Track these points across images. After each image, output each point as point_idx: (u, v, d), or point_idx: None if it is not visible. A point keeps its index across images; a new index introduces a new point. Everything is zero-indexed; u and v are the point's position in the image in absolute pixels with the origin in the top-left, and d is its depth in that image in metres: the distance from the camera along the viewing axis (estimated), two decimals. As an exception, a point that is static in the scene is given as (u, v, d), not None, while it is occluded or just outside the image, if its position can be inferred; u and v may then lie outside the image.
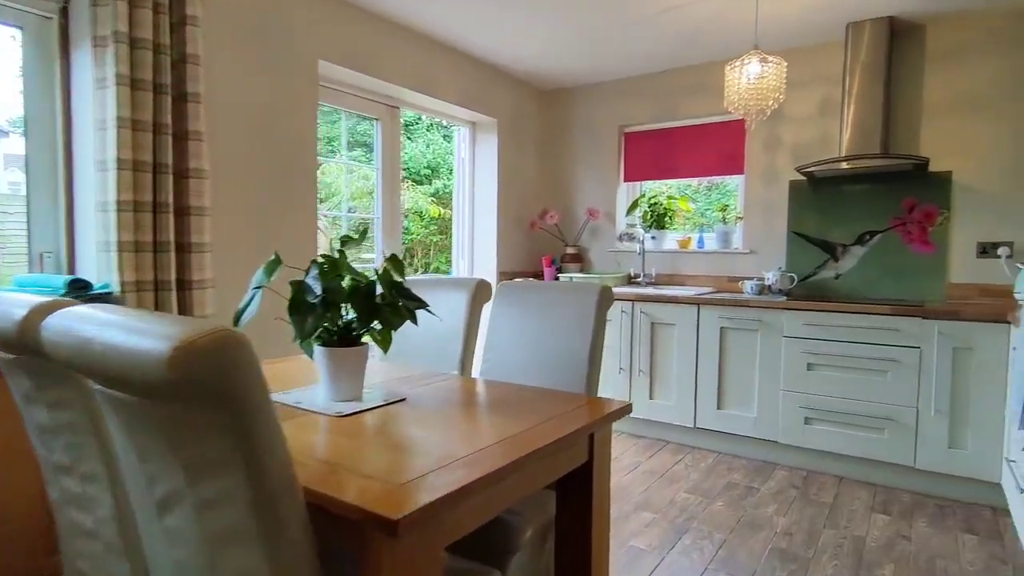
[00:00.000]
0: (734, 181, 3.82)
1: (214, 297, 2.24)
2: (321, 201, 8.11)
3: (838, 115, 3.22)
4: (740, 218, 3.67)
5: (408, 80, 3.22)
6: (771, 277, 3.30)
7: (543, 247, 4.26)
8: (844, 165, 2.94)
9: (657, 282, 3.87)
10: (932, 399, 2.58)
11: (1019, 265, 2.77)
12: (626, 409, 1.34)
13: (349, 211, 4.09)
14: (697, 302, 3.17)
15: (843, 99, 3.09)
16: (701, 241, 3.80)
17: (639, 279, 3.86)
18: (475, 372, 1.89)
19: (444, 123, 3.81)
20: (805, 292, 3.36)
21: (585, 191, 4.18)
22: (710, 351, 3.15)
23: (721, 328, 3.12)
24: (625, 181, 4.09)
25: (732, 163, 3.66)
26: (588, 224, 4.13)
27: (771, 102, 2.65)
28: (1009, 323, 2.42)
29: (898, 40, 3.07)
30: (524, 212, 4.14)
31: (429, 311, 1.36)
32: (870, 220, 3.19)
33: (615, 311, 3.43)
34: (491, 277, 3.91)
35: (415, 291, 1.34)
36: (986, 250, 2.92)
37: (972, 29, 2.93)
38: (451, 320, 1.88)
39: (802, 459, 2.96)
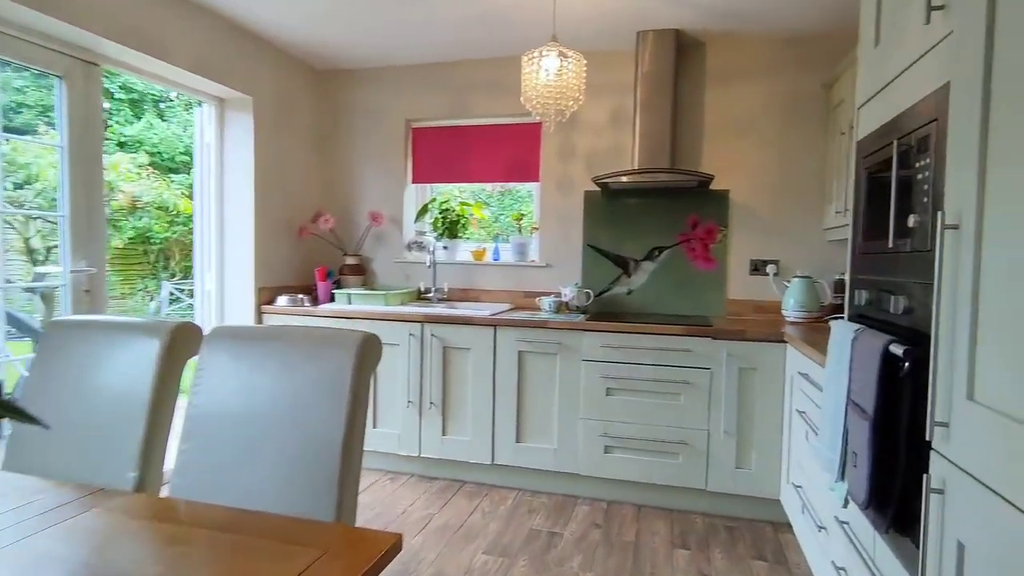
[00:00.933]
0: (529, 188, 3.59)
1: None
2: (18, 188, 6.21)
3: (631, 126, 3.13)
4: (536, 228, 3.43)
5: (117, 31, 2.33)
6: (568, 293, 3.09)
7: (317, 256, 3.58)
8: (634, 178, 2.83)
9: (450, 298, 3.46)
10: (721, 421, 2.55)
11: (785, 283, 2.91)
12: (393, 551, 0.84)
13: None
14: (494, 323, 2.82)
15: (634, 109, 2.99)
16: (497, 253, 3.48)
17: (430, 295, 3.41)
18: (167, 474, 1.22)
19: (187, 98, 2.95)
20: (600, 308, 3.23)
21: (367, 192, 3.60)
22: (508, 378, 2.82)
23: (520, 352, 2.81)
24: (414, 183, 3.61)
25: (527, 169, 3.40)
26: (371, 230, 3.56)
27: (571, 102, 2.39)
28: (786, 343, 2.46)
29: (683, 55, 3.07)
30: (293, 214, 3.42)
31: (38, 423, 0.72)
32: (659, 235, 3.15)
33: (401, 334, 2.93)
34: (248, 293, 3.13)
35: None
36: (757, 267, 3.04)
37: (745, 53, 3.02)
38: (128, 392, 1.19)
39: (603, 490, 2.78)
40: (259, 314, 3.14)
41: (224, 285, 3.16)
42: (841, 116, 2.61)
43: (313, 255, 3.57)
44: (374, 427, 3.01)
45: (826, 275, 2.91)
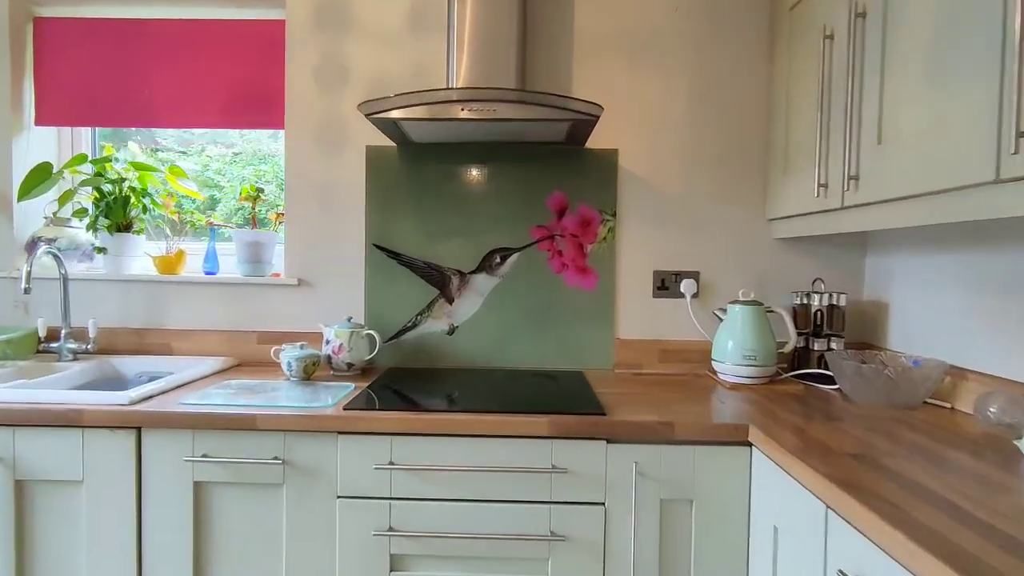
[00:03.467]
0: (272, 142, 2.02)
1: None
2: None
3: (445, 27, 1.71)
4: (281, 216, 1.89)
5: None
6: (332, 337, 1.60)
7: None
8: (454, 112, 1.41)
9: (105, 348, 1.79)
10: (629, 612, 1.22)
11: (717, 312, 1.68)
12: None
13: None
14: (136, 421, 1.23)
15: (451, 7, 1.58)
16: (212, 259, 1.88)
17: (59, 344, 1.69)
18: None
19: None
20: (395, 366, 1.78)
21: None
22: (169, 539, 1.25)
23: (198, 485, 1.25)
24: (40, 124, 1.88)
25: (263, 105, 1.84)
26: None
27: None
28: (751, 444, 1.20)
29: (536, -91, 1.73)
30: None
31: None
32: (502, 229, 1.78)
33: (-96, 459, 1.22)
34: None
35: None
36: (665, 284, 1.79)
37: (638, -84, 1.76)
38: None
39: None
40: None
41: None
42: (810, 14, 1.42)
43: None
44: None
45: (782, 296, 1.74)
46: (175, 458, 1.25)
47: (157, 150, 2.06)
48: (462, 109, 1.40)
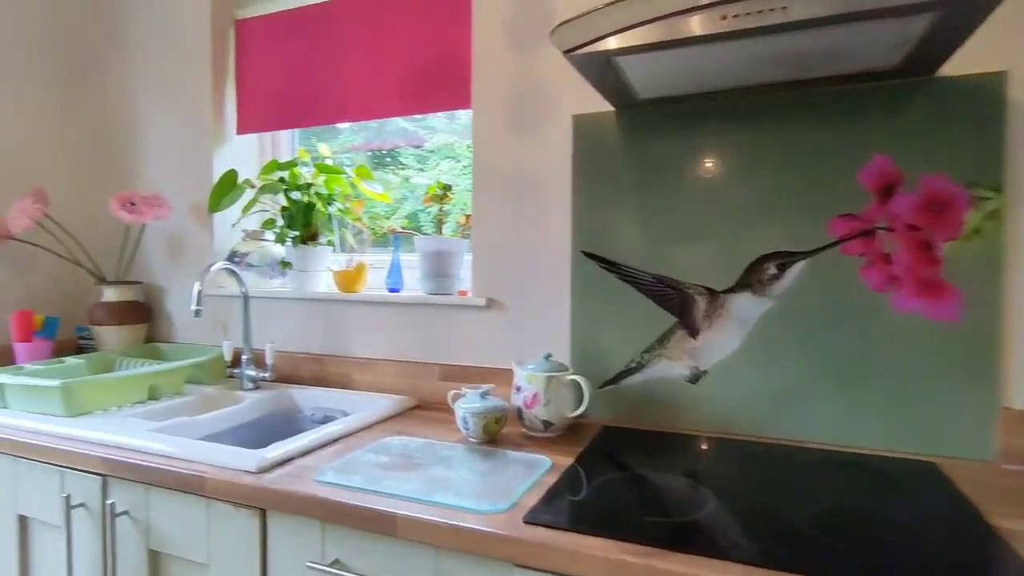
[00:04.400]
0: (458, 123, 1.65)
1: None
2: None
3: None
4: (467, 220, 1.50)
5: None
6: (524, 380, 1.15)
7: (22, 286, 1.81)
8: (719, 22, 0.83)
9: (285, 376, 1.59)
10: None
11: None
12: None
13: None
14: (261, 496, 0.91)
15: None
16: (396, 272, 1.57)
17: (249, 373, 1.53)
18: None
19: None
20: (614, 421, 1.25)
21: (153, 157, 1.81)
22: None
23: (325, 603, 0.88)
24: (241, 133, 1.78)
25: (449, 81, 1.48)
26: (144, 232, 1.76)
27: None
28: None
29: None
30: (-13, 202, 1.65)
31: None
32: (777, 227, 1.13)
33: (54, 502, 1.08)
34: None
35: None
36: None
37: None
38: None
39: None
40: None
41: None
42: None
43: (54, 282, 1.79)
44: None
45: None
46: (301, 559, 0.89)
47: (387, 164, 1.84)
48: (722, 17, 0.82)
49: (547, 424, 1.15)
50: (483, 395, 1.15)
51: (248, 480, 0.92)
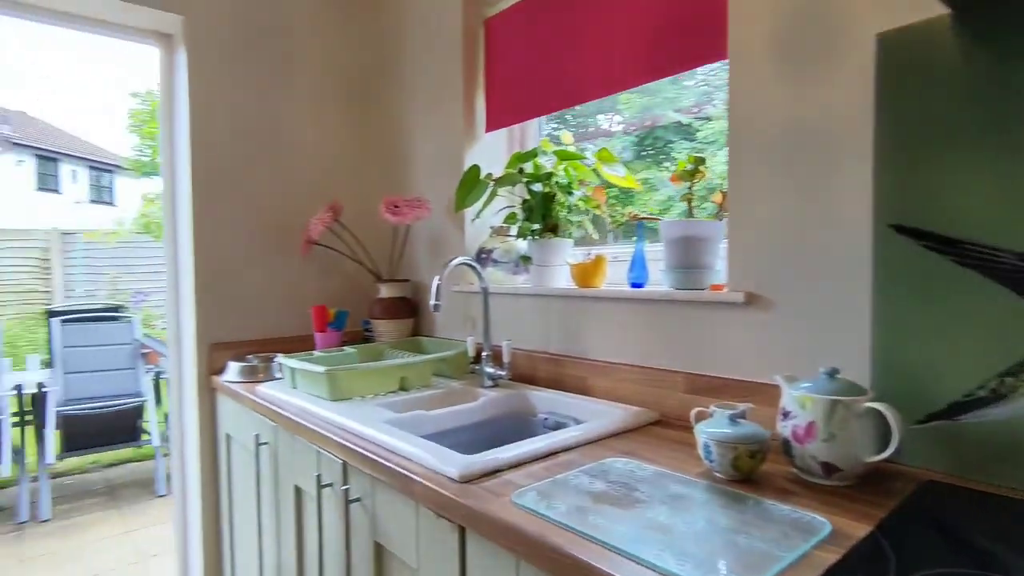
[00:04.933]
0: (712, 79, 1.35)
1: None
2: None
3: None
4: (723, 198, 1.21)
5: None
6: (804, 414, 0.83)
7: (317, 282, 2.07)
8: None
9: (521, 376, 1.51)
10: None
11: None
12: None
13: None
14: (459, 516, 0.81)
15: None
16: (639, 264, 1.37)
17: (488, 370, 1.50)
18: None
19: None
20: (945, 488, 0.83)
21: (416, 162, 1.94)
22: None
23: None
24: (490, 130, 1.78)
25: (698, 31, 1.21)
26: (408, 232, 1.88)
27: None
28: None
29: None
30: (288, 218, 1.97)
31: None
32: None
33: (310, 477, 1.17)
34: (189, 352, 1.82)
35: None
36: None
37: None
38: None
39: None
40: (202, 391, 1.79)
41: (182, 334, 1.92)
42: None
43: (349, 280, 2.06)
44: None
45: None
46: (498, 589, 0.77)
47: (661, 161, 1.70)
48: None
49: (829, 468, 0.82)
50: (735, 418, 0.87)
51: (449, 489, 0.83)
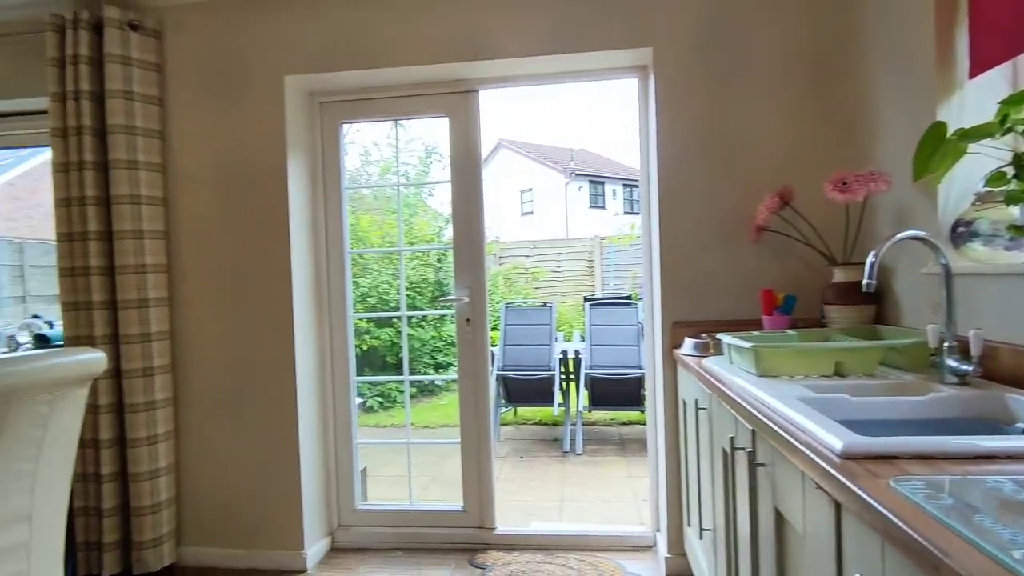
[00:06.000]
0: None
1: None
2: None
3: None
4: None
5: (489, 46, 2.22)
6: None
7: (771, 267, 2.00)
8: None
9: (993, 374, 1.18)
10: None
11: None
12: None
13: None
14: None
15: None
16: None
17: (949, 363, 1.25)
18: None
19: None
20: None
21: (871, 137, 1.72)
22: None
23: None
24: (973, 76, 1.44)
25: None
26: (864, 209, 1.68)
27: None
28: None
29: None
30: (739, 204, 2.04)
31: None
32: None
33: (728, 440, 1.29)
34: (654, 329, 2.16)
35: None
36: None
37: None
38: None
39: None
40: (666, 361, 2.11)
41: (653, 314, 2.30)
42: None
43: (803, 266, 2.01)
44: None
45: None
46: (868, 572, 0.73)
47: None
48: None
49: None
50: None
51: (829, 463, 0.82)
